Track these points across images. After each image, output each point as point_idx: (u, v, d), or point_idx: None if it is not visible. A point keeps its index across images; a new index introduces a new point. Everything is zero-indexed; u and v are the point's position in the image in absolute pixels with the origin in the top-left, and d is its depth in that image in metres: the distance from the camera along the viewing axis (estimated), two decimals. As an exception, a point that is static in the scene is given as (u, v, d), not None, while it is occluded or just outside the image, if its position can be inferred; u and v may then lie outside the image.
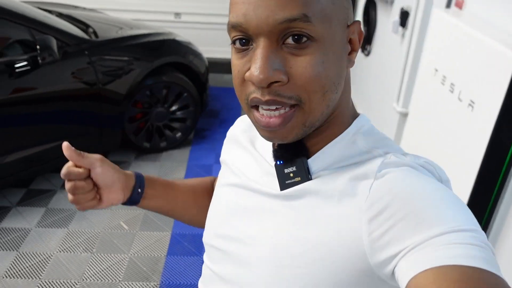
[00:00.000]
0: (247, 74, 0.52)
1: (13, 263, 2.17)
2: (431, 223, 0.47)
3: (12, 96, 2.31)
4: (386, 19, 2.93)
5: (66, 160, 0.72)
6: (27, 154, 2.46)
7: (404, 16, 2.54)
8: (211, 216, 0.74)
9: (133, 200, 0.79)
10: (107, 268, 2.17)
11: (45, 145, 2.50)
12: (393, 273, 0.49)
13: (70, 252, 2.26)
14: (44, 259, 2.21)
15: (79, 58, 2.51)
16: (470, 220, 0.48)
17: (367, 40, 3.30)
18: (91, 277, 2.11)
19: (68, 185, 0.72)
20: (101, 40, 2.70)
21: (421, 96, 2.18)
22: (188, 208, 0.89)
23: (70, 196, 0.73)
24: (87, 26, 2.91)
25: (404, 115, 2.51)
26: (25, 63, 2.32)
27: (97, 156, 0.74)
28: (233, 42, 0.55)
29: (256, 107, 0.55)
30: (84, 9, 3.59)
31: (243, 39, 0.53)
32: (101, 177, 0.74)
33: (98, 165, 0.73)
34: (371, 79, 3.30)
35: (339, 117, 0.61)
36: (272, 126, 0.54)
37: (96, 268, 2.17)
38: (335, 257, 0.53)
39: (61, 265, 2.18)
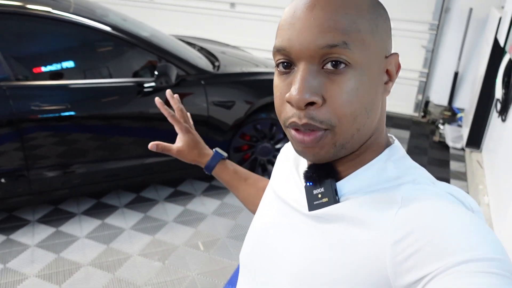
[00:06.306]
0: (287, 95, 0.55)
1: (101, 255, 2.47)
2: (455, 249, 0.47)
3: (135, 111, 2.69)
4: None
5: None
6: (140, 163, 2.80)
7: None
8: (249, 233, 0.77)
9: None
10: (169, 281, 2.30)
11: (154, 158, 2.81)
12: None
13: (147, 258, 2.47)
14: (125, 258, 2.46)
15: (194, 87, 2.79)
16: (496, 248, 0.48)
17: (504, 105, 2.89)
18: (154, 285, 2.26)
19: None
20: (219, 73, 2.95)
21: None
22: (248, 199, 1.01)
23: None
24: (217, 59, 3.22)
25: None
26: (151, 84, 2.68)
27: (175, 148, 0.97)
28: (277, 65, 0.59)
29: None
30: (227, 45, 3.97)
31: (286, 62, 0.58)
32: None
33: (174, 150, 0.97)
34: (505, 147, 2.87)
35: (374, 144, 0.63)
36: (306, 142, 0.57)
37: (161, 278, 2.32)
38: (358, 279, 0.55)
39: (135, 267, 2.39)
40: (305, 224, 0.64)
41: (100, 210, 2.91)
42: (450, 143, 4.08)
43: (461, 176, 3.61)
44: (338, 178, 0.63)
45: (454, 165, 3.79)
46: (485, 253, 0.46)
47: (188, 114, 1.02)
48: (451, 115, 4.54)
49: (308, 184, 0.64)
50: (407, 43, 4.58)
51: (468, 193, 3.30)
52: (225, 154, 1.01)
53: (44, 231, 2.66)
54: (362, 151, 0.62)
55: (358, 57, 0.55)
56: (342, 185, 0.62)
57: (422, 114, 4.80)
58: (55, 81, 2.53)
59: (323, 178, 0.62)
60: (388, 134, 0.68)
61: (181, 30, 5.20)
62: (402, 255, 0.51)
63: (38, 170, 2.51)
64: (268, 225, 0.71)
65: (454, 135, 4.13)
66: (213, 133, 2.92)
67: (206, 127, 2.87)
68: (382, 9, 0.60)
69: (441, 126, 4.35)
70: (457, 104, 4.62)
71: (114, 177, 2.82)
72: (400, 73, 4.68)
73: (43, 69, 2.54)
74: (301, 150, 0.60)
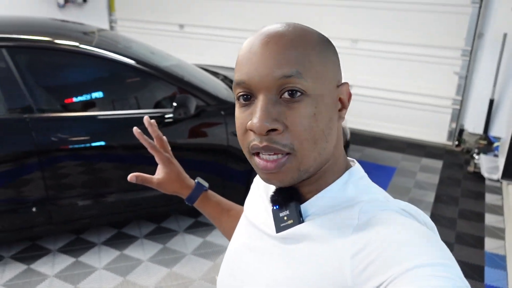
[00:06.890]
0: (249, 123, 0.60)
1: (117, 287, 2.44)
2: (407, 257, 0.51)
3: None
4: None
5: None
6: (159, 193, 2.78)
7: None
8: (224, 258, 0.79)
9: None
10: (184, 317, 2.24)
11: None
12: None
13: (162, 291, 2.43)
14: (140, 291, 2.42)
15: (214, 117, 2.77)
16: (445, 255, 0.52)
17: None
18: (167, 321, 2.21)
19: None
20: (239, 103, 2.93)
21: None
22: (231, 231, 0.98)
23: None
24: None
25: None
26: (170, 115, 2.69)
27: (155, 180, 0.94)
28: (237, 98, 0.63)
29: (257, 154, 0.62)
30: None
31: (246, 95, 0.62)
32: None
33: (155, 181, 0.94)
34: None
35: (333, 166, 0.67)
36: (269, 169, 0.61)
37: (175, 314, 2.26)
38: None
39: (149, 301, 2.35)
40: (274, 246, 0.68)
41: (120, 240, 2.90)
42: (485, 174, 3.87)
43: (497, 210, 3.40)
44: (302, 200, 0.67)
45: (489, 198, 3.58)
46: (435, 259, 0.50)
47: (165, 139, 0.98)
48: (487, 144, 4.33)
49: (274, 207, 0.68)
50: (438, 69, 4.44)
51: (504, 228, 3.11)
52: (207, 185, 0.99)
53: (64, 261, 2.67)
54: (321, 174, 0.66)
55: (312, 86, 0.59)
56: (306, 207, 0.66)
57: (456, 142, 4.61)
58: (76, 113, 2.58)
59: (288, 201, 0.66)
60: (349, 158, 0.73)
61: (209, 58, 5.27)
62: (360, 266, 0.55)
63: (59, 201, 2.53)
64: (241, 249, 0.75)
65: (490, 166, 3.93)
66: (232, 163, 2.88)
67: (225, 156, 2.84)
68: (329, 43, 0.65)
69: (476, 156, 4.15)
70: (493, 132, 4.41)
71: (136, 207, 2.82)
72: (432, 100, 4.54)
73: (65, 101, 2.59)
74: (266, 177, 0.63)
